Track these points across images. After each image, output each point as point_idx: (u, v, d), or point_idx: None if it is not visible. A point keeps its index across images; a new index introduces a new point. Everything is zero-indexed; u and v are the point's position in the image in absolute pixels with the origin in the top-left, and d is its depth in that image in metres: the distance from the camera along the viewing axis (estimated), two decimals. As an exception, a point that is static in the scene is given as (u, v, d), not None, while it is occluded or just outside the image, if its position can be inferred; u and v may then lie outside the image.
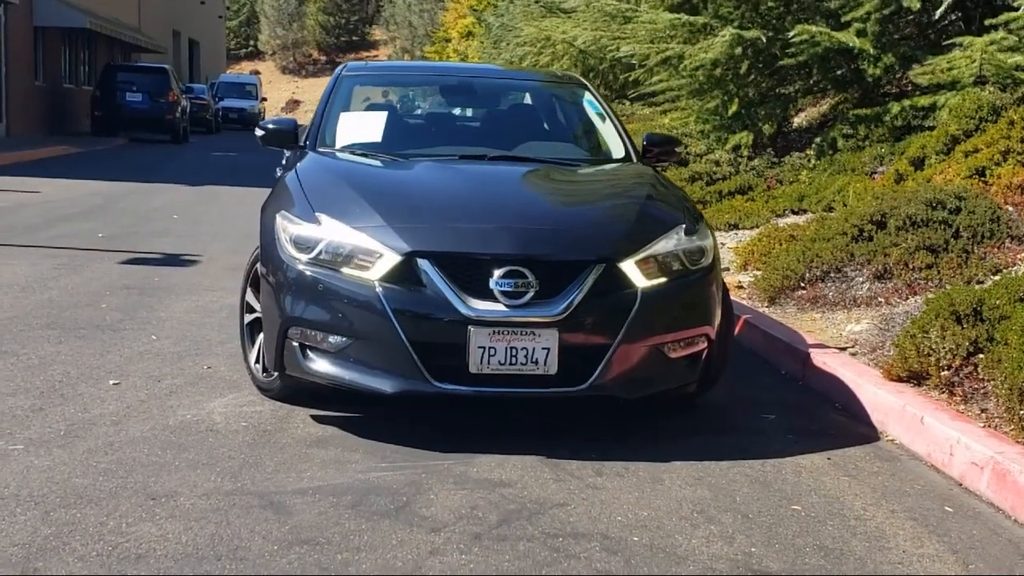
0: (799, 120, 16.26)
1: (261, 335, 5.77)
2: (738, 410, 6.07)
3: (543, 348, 5.03)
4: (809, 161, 13.08)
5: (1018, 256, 7.77)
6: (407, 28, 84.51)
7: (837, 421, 5.95)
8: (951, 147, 10.74)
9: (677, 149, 7.02)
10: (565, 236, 5.36)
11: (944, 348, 5.62)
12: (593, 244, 5.28)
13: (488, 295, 5.04)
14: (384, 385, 5.10)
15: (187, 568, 3.74)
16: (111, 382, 5.98)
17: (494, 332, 5.00)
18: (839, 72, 13.75)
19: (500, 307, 5.02)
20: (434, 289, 5.04)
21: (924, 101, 12.08)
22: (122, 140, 31.53)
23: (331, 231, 5.28)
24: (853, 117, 12.93)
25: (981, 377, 5.46)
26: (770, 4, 13.68)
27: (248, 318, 5.99)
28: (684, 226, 5.56)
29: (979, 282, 7.40)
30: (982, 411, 5.38)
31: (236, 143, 35.14)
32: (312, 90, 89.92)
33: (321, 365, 5.26)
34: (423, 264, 5.06)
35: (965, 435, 5.04)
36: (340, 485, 4.59)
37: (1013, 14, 11.32)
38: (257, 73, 76.18)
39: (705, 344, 5.54)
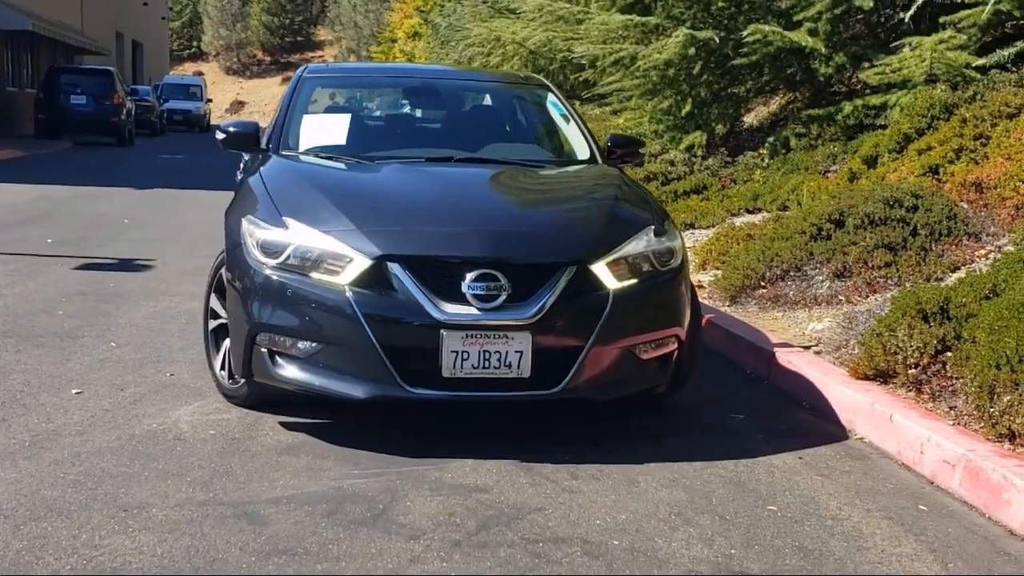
0: (749, 120, 16.35)
1: (226, 341, 5.71)
2: (706, 410, 6.07)
3: (516, 351, 5.00)
4: (762, 160, 13.14)
5: (976, 253, 7.84)
6: (352, 28, 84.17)
7: (805, 420, 5.96)
8: (904, 145, 10.83)
9: (641, 150, 7.01)
10: (536, 238, 5.33)
11: (912, 346, 5.65)
12: (564, 246, 5.25)
13: (460, 299, 5.00)
14: (356, 391, 5.05)
15: (165, 581, 3.69)
16: (73, 391, 5.88)
17: (467, 336, 4.97)
18: (790, 71, 13.82)
19: (472, 310, 4.98)
20: (405, 293, 4.99)
21: (875, 100, 12.18)
22: (67, 143, 31.11)
23: (299, 235, 5.21)
24: (805, 117, 13.01)
25: (949, 375, 5.49)
26: (721, 4, 13.74)
27: (212, 324, 5.91)
28: (653, 227, 5.55)
29: (938, 279, 7.45)
30: (950, 408, 5.41)
31: (183, 145, 34.89)
32: (257, 91, 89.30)
33: (290, 371, 5.20)
34: (394, 268, 5.01)
35: (936, 433, 5.07)
36: (314, 493, 4.54)
37: (967, 12, 11.41)
38: (201, 74, 75.51)
39: (676, 345, 5.54)
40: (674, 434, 5.63)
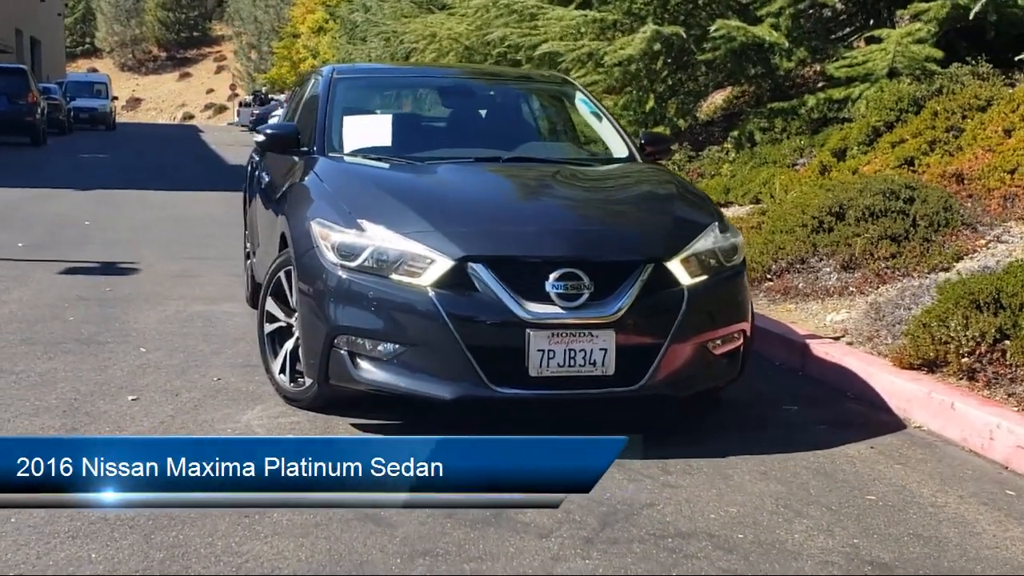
0: (700, 113, 16.53)
1: (287, 344, 5.69)
2: (757, 404, 6.15)
3: (600, 349, 5.05)
4: (728, 154, 13.32)
5: (976, 243, 8.06)
6: (252, 23, 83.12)
7: (857, 410, 6.08)
8: (873, 138, 11.07)
9: (672, 147, 7.10)
10: (614, 237, 5.40)
11: (967, 336, 5.80)
12: (641, 244, 5.32)
13: (543, 298, 5.03)
14: (443, 391, 5.06)
15: (328, 587, 3.69)
16: (129, 398, 5.80)
17: (553, 334, 5.00)
18: (751, 66, 14.01)
19: (557, 309, 5.02)
20: (489, 293, 5.01)
21: (839, 94, 12.42)
22: (-19, 144, 30.36)
23: (376, 237, 5.20)
24: (768, 111, 13.21)
25: (1008, 363, 5.65)
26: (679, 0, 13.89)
27: (269, 328, 5.86)
28: (718, 224, 5.65)
29: (944, 269, 7.66)
30: (1009, 396, 5.57)
31: (96, 143, 34.21)
32: (154, 87, 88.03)
33: (373, 373, 5.17)
34: (477, 268, 5.03)
35: (1005, 419, 5.23)
36: (424, 495, 4.54)
37: (923, 5, 11.70)
38: (95, 71, 74.23)
39: (742, 340, 5.63)
40: (736, 428, 5.71)
